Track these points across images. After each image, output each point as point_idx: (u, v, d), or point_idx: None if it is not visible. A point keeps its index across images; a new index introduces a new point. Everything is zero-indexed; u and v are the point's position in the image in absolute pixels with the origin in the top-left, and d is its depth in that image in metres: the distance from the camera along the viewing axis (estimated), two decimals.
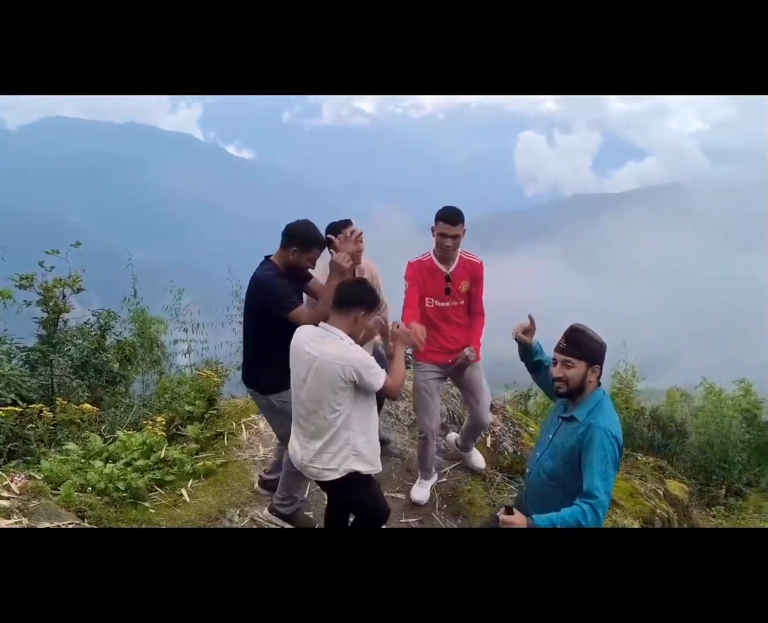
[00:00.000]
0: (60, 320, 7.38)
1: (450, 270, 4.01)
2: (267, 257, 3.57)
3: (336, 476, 3.07)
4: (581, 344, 2.76)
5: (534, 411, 11.14)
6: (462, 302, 4.11)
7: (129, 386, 7.80)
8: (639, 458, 9.47)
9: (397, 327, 3.25)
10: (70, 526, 3.20)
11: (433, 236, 3.98)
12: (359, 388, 2.99)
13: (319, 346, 3.00)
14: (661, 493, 7.00)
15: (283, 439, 3.69)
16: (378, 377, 3.00)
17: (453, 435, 4.89)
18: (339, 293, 3.09)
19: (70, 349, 7.29)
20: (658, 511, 5.28)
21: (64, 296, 7.33)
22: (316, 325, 3.13)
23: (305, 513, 4.09)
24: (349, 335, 3.04)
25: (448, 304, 4.07)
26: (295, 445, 3.19)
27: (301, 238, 3.44)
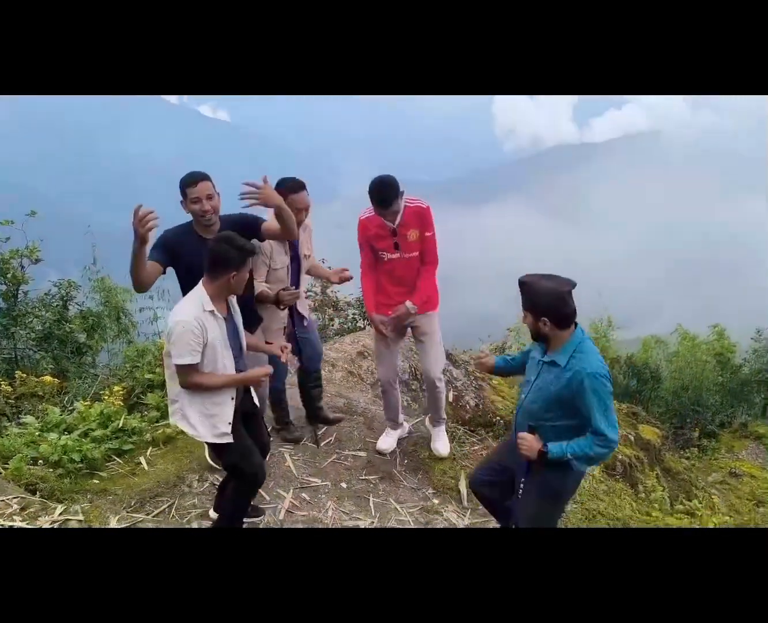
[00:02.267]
0: (20, 291, 7.22)
1: (396, 223, 3.95)
2: None
3: (173, 421, 3.18)
4: (525, 296, 2.86)
5: None
6: (415, 253, 4.03)
7: (96, 357, 7.68)
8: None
9: None
10: (15, 500, 3.16)
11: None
12: None
13: (178, 305, 3.03)
14: (632, 438, 7.11)
15: None
16: (176, 356, 2.88)
17: (427, 418, 4.76)
18: (209, 257, 2.92)
19: (32, 321, 7.14)
20: (620, 457, 5.34)
21: (22, 267, 7.16)
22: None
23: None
24: (228, 293, 2.99)
25: (398, 256, 4.01)
26: None
27: (180, 189, 3.35)
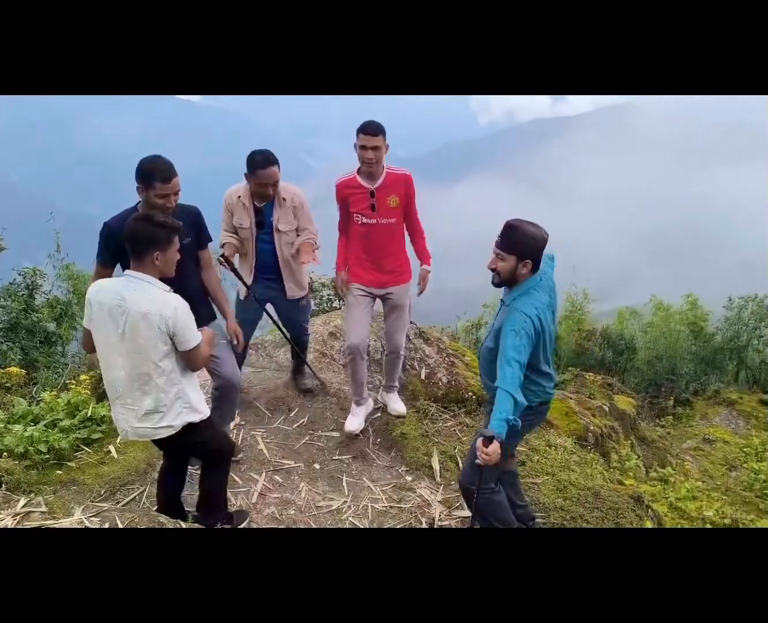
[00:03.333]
0: None
1: (375, 186, 3.94)
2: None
3: (172, 432, 2.88)
4: (513, 240, 2.91)
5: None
6: (393, 220, 4.01)
7: (66, 346, 7.55)
8: (587, 376, 9.74)
9: None
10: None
11: (356, 151, 3.90)
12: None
13: (131, 296, 2.71)
14: (607, 409, 7.20)
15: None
16: (193, 339, 2.78)
17: (381, 391, 4.80)
18: (127, 239, 2.75)
19: None
20: (592, 427, 5.39)
21: None
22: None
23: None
24: (158, 275, 2.79)
25: (375, 220, 3.98)
26: (117, 410, 2.89)
27: (139, 173, 3.08)
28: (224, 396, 3.61)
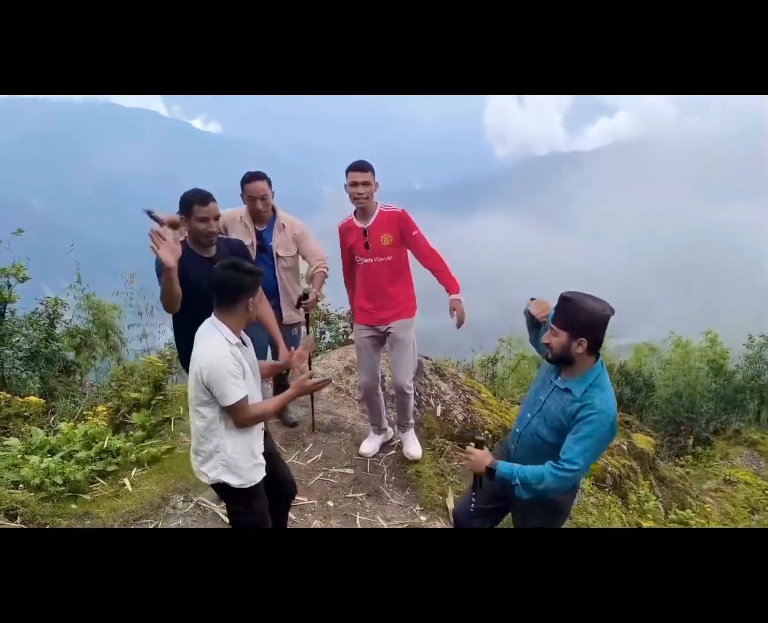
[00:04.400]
0: (7, 310, 7.17)
1: (367, 225, 4.00)
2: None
3: (207, 481, 2.81)
4: (565, 314, 2.66)
5: (503, 374, 11.15)
6: (389, 258, 4.03)
7: (84, 375, 7.62)
8: None
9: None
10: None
11: (346, 191, 3.97)
12: None
13: (198, 341, 2.74)
14: (625, 448, 7.09)
15: None
16: (230, 395, 2.63)
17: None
18: (217, 287, 2.70)
19: (18, 340, 7.07)
20: (610, 468, 5.31)
21: (9, 286, 7.11)
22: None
23: None
24: (247, 322, 2.76)
25: (370, 260, 4.04)
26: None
27: (182, 205, 3.21)
28: None
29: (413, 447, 4.50)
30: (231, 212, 4.16)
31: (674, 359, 14.25)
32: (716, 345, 14.22)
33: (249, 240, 4.09)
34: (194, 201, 3.16)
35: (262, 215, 4.13)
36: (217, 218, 3.21)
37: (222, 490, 2.86)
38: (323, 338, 9.47)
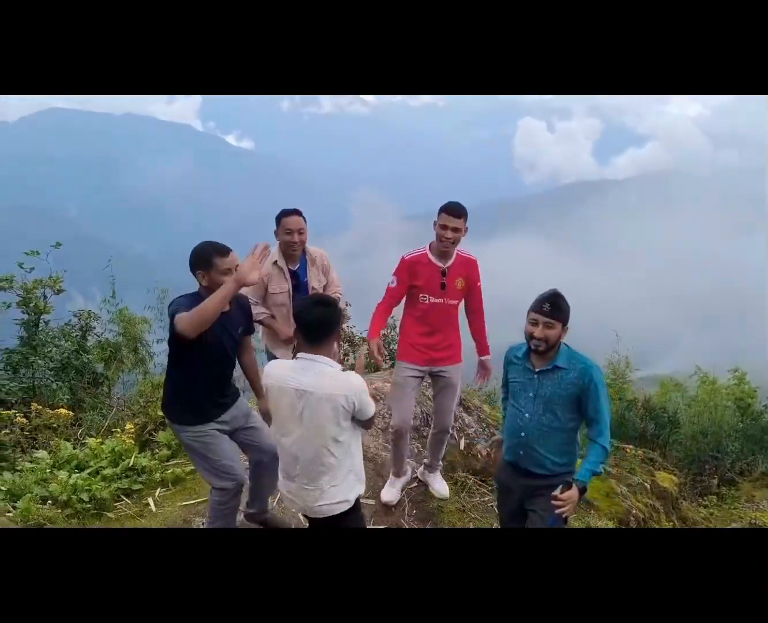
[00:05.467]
0: (41, 321, 7.35)
1: (447, 265, 3.96)
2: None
3: (347, 506, 2.86)
4: (561, 308, 3.06)
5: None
6: (456, 302, 4.04)
7: (112, 388, 7.76)
8: (629, 450, 9.46)
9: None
10: None
11: (435, 229, 3.91)
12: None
13: (312, 380, 2.71)
14: (648, 487, 6.97)
15: (211, 480, 3.38)
16: (372, 404, 2.85)
17: (421, 469, 4.68)
18: (311, 326, 2.74)
19: (51, 350, 7.24)
20: (634, 511, 5.23)
21: (45, 297, 7.29)
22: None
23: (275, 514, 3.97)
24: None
25: (442, 300, 3.98)
26: (291, 489, 2.89)
27: (198, 258, 3.19)
28: (269, 468, 3.54)
29: (441, 485, 4.50)
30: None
31: (700, 395, 13.99)
32: (744, 383, 13.95)
33: (286, 285, 4.17)
34: (212, 255, 3.15)
35: (295, 251, 4.18)
36: (236, 268, 3.17)
37: (354, 508, 2.92)
38: (347, 360, 9.53)
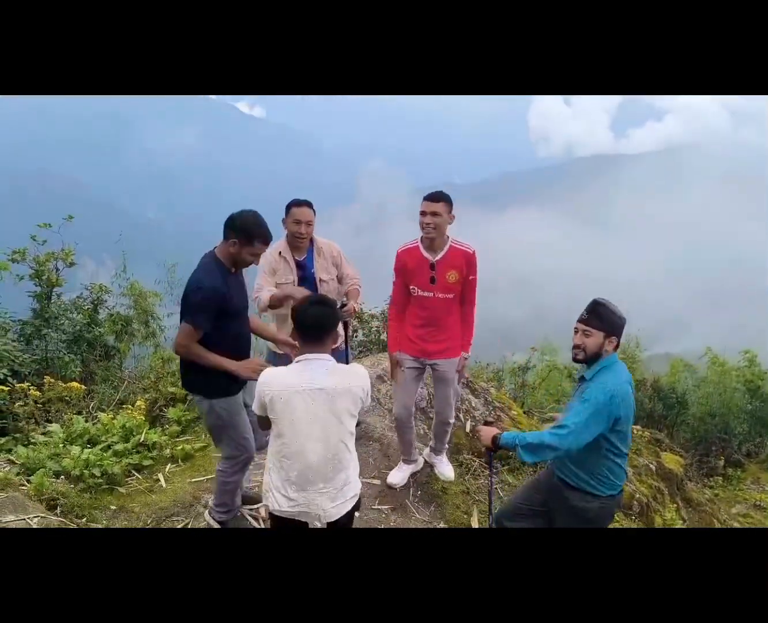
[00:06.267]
0: (53, 293, 7.43)
1: (436, 258, 3.87)
2: (214, 249, 3.30)
3: (356, 500, 2.86)
4: (601, 316, 3.02)
5: (532, 381, 11.08)
6: (451, 296, 3.92)
7: (123, 360, 7.85)
8: (635, 431, 9.49)
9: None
10: (35, 519, 3.26)
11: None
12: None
13: (326, 379, 2.68)
14: (654, 468, 7.01)
15: (229, 458, 3.45)
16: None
17: (427, 450, 4.71)
18: (315, 326, 2.72)
19: (63, 323, 7.32)
20: (638, 495, 5.27)
21: (57, 270, 7.36)
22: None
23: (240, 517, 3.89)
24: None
25: (432, 294, 3.90)
26: (308, 497, 2.73)
27: (242, 230, 3.12)
28: (243, 468, 3.60)
29: (447, 468, 4.54)
30: (270, 251, 4.01)
31: (710, 376, 13.95)
32: (754, 365, 13.88)
33: (291, 276, 4.13)
34: (257, 238, 3.16)
35: (302, 241, 4.11)
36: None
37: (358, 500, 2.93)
38: (356, 337, 9.57)
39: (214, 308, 3.11)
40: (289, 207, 4.08)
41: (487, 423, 3.28)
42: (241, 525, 3.75)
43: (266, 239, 3.20)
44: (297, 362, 2.75)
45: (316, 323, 2.70)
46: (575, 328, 3.07)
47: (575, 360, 3.11)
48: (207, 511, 3.78)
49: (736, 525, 8.49)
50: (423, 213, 3.81)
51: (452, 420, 4.32)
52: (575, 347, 3.06)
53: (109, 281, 8.02)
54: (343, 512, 2.81)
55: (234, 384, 3.32)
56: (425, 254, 3.91)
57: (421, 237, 3.92)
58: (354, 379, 2.73)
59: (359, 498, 2.94)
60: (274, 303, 3.88)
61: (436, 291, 3.91)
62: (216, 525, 3.67)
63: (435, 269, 3.88)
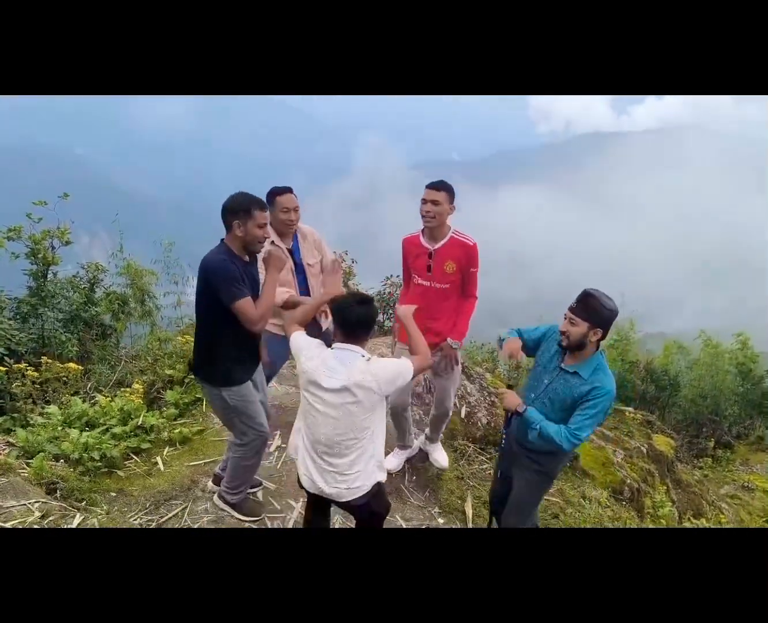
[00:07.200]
0: (50, 272, 7.40)
1: (435, 248, 3.86)
2: (222, 240, 3.29)
3: (362, 492, 2.89)
4: (588, 308, 3.06)
5: (527, 364, 11.13)
6: (447, 286, 3.91)
7: (120, 339, 7.86)
8: (627, 413, 9.57)
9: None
10: (36, 504, 3.31)
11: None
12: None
13: (345, 368, 2.76)
14: (644, 450, 7.10)
15: (246, 444, 3.51)
16: (400, 376, 2.86)
17: (422, 437, 4.74)
18: (357, 324, 2.81)
19: (59, 301, 7.31)
20: (629, 481, 5.35)
21: (53, 248, 7.33)
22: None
23: (253, 499, 4.00)
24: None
25: (428, 283, 3.91)
26: (309, 466, 2.91)
27: (238, 208, 3.14)
28: (261, 450, 3.64)
29: (441, 456, 4.57)
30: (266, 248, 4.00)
31: (703, 358, 14.04)
32: (747, 348, 13.97)
33: (288, 263, 4.04)
34: (253, 206, 3.15)
35: (290, 228, 4.05)
36: (267, 224, 3.26)
37: (374, 495, 2.95)
38: None
39: (239, 276, 3.13)
40: (272, 197, 3.94)
41: (510, 387, 3.40)
42: (252, 507, 3.85)
43: (261, 204, 3.20)
44: (333, 349, 2.85)
45: (359, 322, 2.80)
46: (564, 314, 3.13)
47: (559, 345, 3.18)
48: (216, 495, 3.84)
49: (724, 505, 8.62)
50: (423, 201, 3.80)
51: (451, 412, 4.33)
52: (561, 332, 3.14)
53: (103, 254, 7.99)
54: (347, 498, 2.88)
55: (245, 374, 3.38)
56: (425, 242, 3.91)
57: (422, 228, 3.93)
58: (369, 375, 2.74)
59: (381, 491, 3.00)
60: (288, 305, 3.84)
61: (432, 281, 3.91)
62: (227, 508, 3.76)
63: (432, 257, 3.88)
